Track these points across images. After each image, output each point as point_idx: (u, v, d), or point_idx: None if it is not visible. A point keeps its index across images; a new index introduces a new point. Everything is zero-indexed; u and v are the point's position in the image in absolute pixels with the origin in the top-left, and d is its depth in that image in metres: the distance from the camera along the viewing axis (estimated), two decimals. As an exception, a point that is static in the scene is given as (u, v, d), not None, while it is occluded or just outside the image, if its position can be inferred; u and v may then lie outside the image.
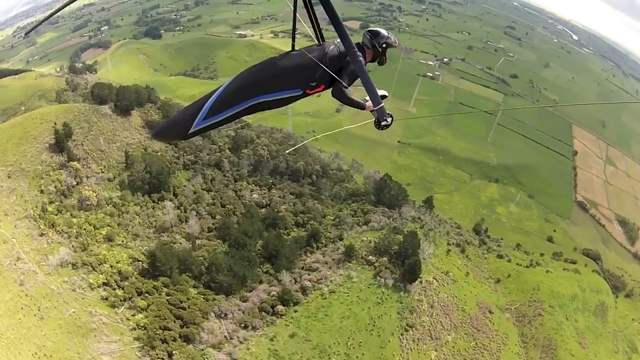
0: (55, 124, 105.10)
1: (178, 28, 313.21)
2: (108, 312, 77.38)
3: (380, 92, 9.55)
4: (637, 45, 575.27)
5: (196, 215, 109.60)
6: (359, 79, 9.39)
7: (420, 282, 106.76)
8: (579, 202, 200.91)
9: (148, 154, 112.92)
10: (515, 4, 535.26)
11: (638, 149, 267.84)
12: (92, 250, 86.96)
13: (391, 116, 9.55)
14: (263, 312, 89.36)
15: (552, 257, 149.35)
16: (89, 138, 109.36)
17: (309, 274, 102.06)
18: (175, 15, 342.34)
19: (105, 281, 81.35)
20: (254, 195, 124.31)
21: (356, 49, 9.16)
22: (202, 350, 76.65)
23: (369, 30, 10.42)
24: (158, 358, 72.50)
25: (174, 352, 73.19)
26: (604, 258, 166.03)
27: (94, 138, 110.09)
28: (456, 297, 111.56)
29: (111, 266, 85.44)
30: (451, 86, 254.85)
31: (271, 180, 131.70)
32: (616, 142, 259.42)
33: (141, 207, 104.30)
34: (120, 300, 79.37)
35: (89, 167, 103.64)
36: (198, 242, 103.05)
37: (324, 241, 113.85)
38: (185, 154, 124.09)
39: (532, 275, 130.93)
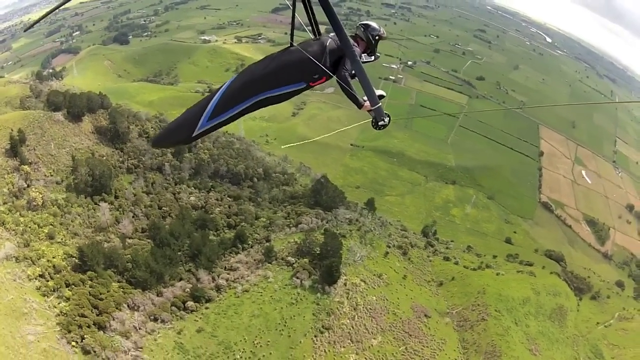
0: (12, 130, 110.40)
1: (146, 34, 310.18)
2: (39, 300, 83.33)
3: (378, 92, 9.78)
4: (613, 47, 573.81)
5: (133, 216, 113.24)
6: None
7: (345, 284, 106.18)
8: (543, 203, 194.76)
9: (92, 158, 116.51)
10: (489, 7, 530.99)
11: (610, 148, 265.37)
12: (33, 246, 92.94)
13: (388, 116, 9.70)
14: (174, 307, 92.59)
15: (506, 260, 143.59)
16: (41, 143, 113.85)
17: (228, 273, 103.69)
18: (145, 20, 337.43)
19: (41, 273, 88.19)
20: (191, 198, 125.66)
21: (354, 49, 9.46)
22: (112, 337, 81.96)
23: (362, 24, 10.86)
24: (72, 341, 78.12)
25: (85, 336, 79.13)
26: (569, 259, 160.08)
27: (46, 143, 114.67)
28: (387, 300, 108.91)
29: (48, 260, 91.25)
30: (413, 89, 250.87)
31: (211, 184, 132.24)
32: (586, 142, 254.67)
33: (83, 208, 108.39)
34: (51, 290, 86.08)
35: (39, 171, 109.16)
36: (130, 241, 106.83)
37: (250, 242, 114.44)
38: (129, 158, 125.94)
39: (478, 278, 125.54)
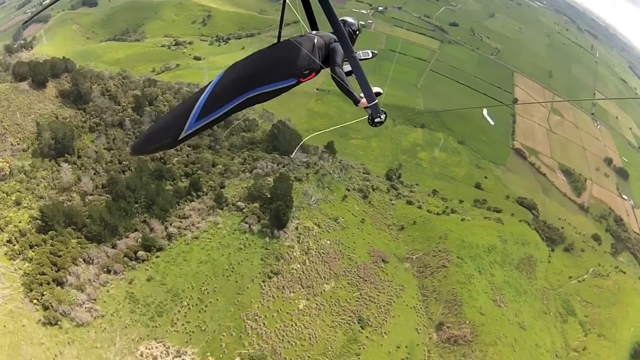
0: None
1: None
2: (6, 264, 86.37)
3: (375, 89, 9.90)
4: (596, 4, 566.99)
5: (94, 173, 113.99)
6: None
7: (297, 228, 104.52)
8: (516, 150, 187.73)
9: (55, 122, 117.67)
10: None
11: (588, 101, 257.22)
12: (1, 214, 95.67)
13: (385, 113, 9.70)
14: (126, 258, 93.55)
15: (473, 205, 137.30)
16: (7, 115, 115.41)
17: (180, 222, 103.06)
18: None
19: (9, 239, 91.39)
20: None
21: (351, 46, 9.65)
22: (68, 291, 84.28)
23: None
24: (34, 299, 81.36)
25: (45, 293, 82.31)
26: (543, 208, 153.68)
27: (12, 114, 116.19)
28: (342, 244, 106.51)
29: (15, 226, 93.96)
30: (383, 34, 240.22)
31: None
32: (564, 93, 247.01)
33: (47, 171, 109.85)
34: (17, 254, 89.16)
35: (6, 141, 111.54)
36: (90, 197, 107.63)
37: (205, 190, 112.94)
38: (91, 117, 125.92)
39: (441, 223, 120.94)
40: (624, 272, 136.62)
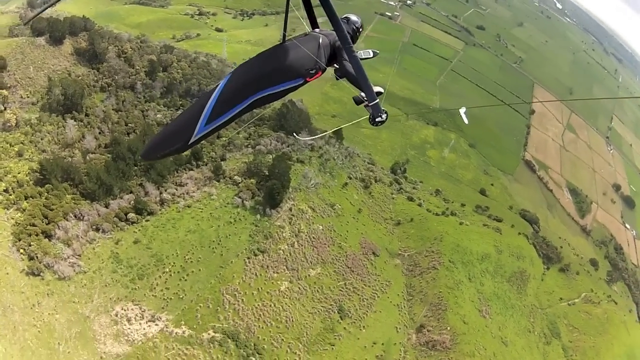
0: None
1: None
2: (0, 213, 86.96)
3: (376, 89, 9.77)
4: (624, 29, 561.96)
5: (99, 132, 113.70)
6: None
7: (290, 209, 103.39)
8: (526, 161, 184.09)
9: (66, 79, 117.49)
10: None
11: (605, 124, 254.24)
12: (2, 164, 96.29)
13: (386, 112, 9.66)
14: (116, 218, 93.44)
15: (474, 210, 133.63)
16: (20, 68, 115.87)
17: (176, 189, 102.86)
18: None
19: (5, 189, 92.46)
20: (158, 116, 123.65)
21: (352, 46, 9.43)
22: (55, 244, 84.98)
23: (342, 17, 10.28)
24: (21, 248, 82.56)
25: (32, 243, 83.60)
26: (545, 224, 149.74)
27: (25, 67, 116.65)
28: (334, 231, 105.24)
29: (14, 176, 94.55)
30: (409, 27, 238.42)
31: (180, 102, 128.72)
32: (581, 112, 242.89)
33: (53, 126, 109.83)
34: (11, 204, 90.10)
35: (17, 94, 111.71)
36: (91, 156, 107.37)
37: (205, 160, 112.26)
38: (104, 78, 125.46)
39: (438, 224, 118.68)
40: (616, 303, 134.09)
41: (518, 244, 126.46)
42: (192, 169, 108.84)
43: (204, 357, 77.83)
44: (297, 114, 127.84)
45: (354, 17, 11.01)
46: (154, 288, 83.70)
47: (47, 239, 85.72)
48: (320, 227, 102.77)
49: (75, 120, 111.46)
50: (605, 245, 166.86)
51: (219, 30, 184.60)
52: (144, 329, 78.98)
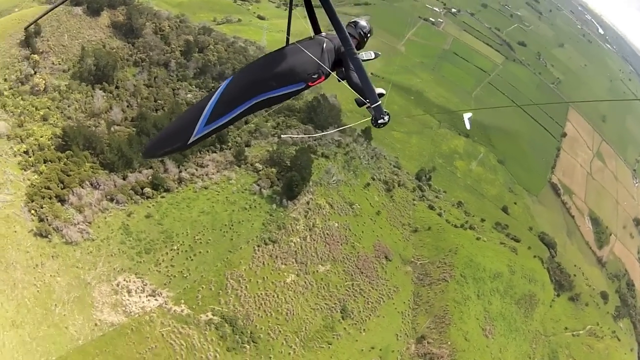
0: (28, 22, 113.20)
1: None
2: (17, 173, 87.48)
3: (378, 90, 9.53)
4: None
5: (127, 106, 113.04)
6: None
7: (308, 202, 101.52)
8: (552, 184, 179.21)
9: (99, 49, 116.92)
10: None
11: (634, 156, 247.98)
12: (26, 127, 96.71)
13: (388, 114, 9.30)
14: (132, 191, 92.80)
15: (493, 227, 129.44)
16: (55, 35, 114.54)
17: (196, 169, 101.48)
18: None
19: (26, 150, 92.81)
20: (188, 95, 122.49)
21: (354, 48, 9.24)
22: (67, 209, 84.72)
23: (351, 22, 10.64)
24: (32, 209, 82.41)
25: (44, 206, 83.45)
26: (562, 250, 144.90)
27: (60, 35, 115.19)
28: (350, 230, 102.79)
29: (35, 139, 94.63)
30: (451, 35, 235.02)
31: (213, 85, 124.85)
32: (612, 141, 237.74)
33: (82, 95, 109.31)
34: (30, 165, 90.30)
35: (48, 59, 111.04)
36: (116, 127, 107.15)
37: (230, 144, 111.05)
38: (138, 52, 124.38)
39: (455, 236, 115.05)
40: (619, 340, 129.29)
41: (532, 267, 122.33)
42: (215, 152, 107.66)
43: (198, 338, 76.52)
44: (327, 109, 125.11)
45: (362, 22, 10.78)
46: (159, 264, 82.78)
47: (59, 203, 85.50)
48: (336, 224, 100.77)
49: (104, 91, 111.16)
50: (618, 279, 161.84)
51: (261, 17, 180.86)
52: (143, 302, 77.99)
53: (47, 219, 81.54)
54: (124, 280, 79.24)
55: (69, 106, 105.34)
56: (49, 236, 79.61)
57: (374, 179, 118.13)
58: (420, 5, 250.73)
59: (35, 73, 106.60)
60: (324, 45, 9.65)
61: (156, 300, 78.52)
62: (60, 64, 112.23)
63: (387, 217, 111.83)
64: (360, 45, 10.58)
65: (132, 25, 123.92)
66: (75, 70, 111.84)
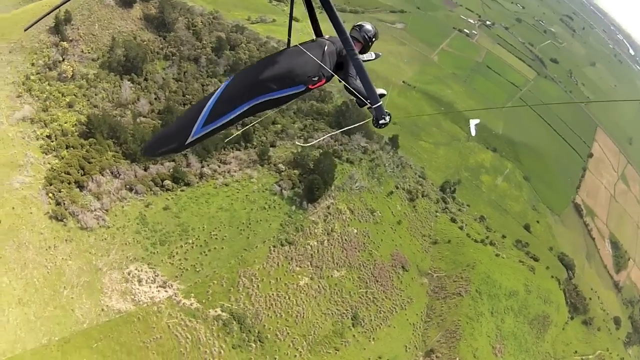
0: (59, 10, 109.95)
1: None
2: (38, 157, 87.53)
3: (379, 91, 9.19)
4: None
5: (155, 98, 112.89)
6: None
7: (328, 207, 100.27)
8: (576, 204, 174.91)
9: (129, 41, 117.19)
10: None
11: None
12: (51, 112, 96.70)
13: (389, 115, 8.97)
14: (152, 182, 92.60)
15: (514, 244, 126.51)
16: (85, 24, 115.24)
17: (218, 166, 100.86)
18: None
19: (49, 135, 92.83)
20: None
21: (354, 48, 8.86)
22: (85, 195, 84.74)
23: (356, 25, 10.53)
24: (50, 192, 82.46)
25: (62, 190, 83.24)
26: (580, 272, 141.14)
27: (91, 24, 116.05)
28: (369, 237, 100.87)
29: (59, 125, 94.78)
30: (484, 48, 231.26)
31: None
32: (637, 164, 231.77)
33: (110, 84, 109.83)
34: (51, 149, 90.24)
35: (77, 47, 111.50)
36: (142, 119, 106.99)
37: (255, 143, 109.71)
38: (169, 46, 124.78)
39: (474, 251, 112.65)
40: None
41: (548, 287, 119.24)
42: (239, 149, 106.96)
43: (205, 332, 75.65)
44: (355, 114, 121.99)
45: (367, 26, 10.44)
46: (173, 256, 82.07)
47: (78, 189, 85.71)
48: (355, 230, 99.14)
49: (132, 83, 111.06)
50: (632, 306, 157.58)
51: (295, 19, 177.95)
52: (153, 292, 77.47)
53: (64, 203, 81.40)
54: (136, 269, 78.73)
55: (96, 95, 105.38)
56: (65, 220, 79.19)
57: (397, 188, 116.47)
58: (456, 16, 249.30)
59: (63, 60, 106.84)
60: (325, 47, 9.36)
61: (166, 291, 77.82)
62: (89, 53, 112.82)
63: (408, 227, 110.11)
64: (364, 49, 10.35)
65: (164, 19, 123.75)
66: (104, 59, 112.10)
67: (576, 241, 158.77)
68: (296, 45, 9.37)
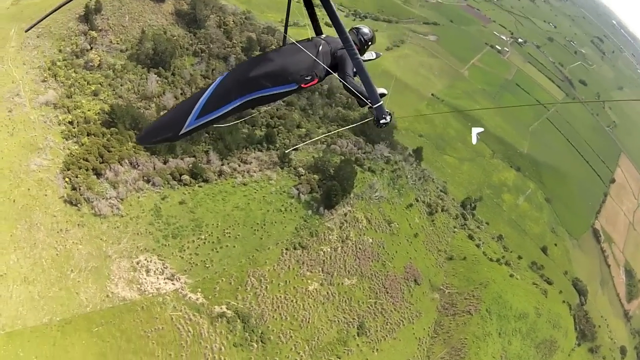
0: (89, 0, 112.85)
1: None
2: (58, 141, 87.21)
3: (380, 90, 9.35)
4: None
5: (181, 93, 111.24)
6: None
7: (346, 214, 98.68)
8: (594, 229, 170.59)
9: (159, 35, 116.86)
10: (614, 22, 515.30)
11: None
12: (75, 99, 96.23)
13: (390, 114, 9.09)
14: (170, 176, 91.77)
15: (529, 265, 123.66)
16: (115, 15, 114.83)
17: (239, 165, 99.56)
18: None
19: (71, 121, 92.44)
20: None
21: (355, 48, 9.04)
22: (101, 183, 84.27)
23: (353, 28, 10.59)
24: (67, 177, 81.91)
25: (79, 175, 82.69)
26: (593, 299, 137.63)
27: (121, 15, 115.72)
28: (383, 247, 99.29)
29: (82, 112, 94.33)
30: (515, 65, 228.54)
31: None
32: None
33: (136, 76, 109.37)
34: (72, 136, 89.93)
35: (106, 37, 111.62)
36: (165, 112, 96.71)
37: (277, 145, 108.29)
38: (199, 43, 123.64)
39: (489, 270, 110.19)
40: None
41: (559, 312, 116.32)
42: (261, 150, 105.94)
43: (207, 328, 74.69)
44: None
45: (364, 29, 10.58)
46: (184, 250, 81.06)
47: (95, 176, 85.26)
48: (370, 240, 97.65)
49: (159, 76, 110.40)
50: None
51: (327, 25, 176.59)
52: (160, 284, 76.65)
53: (79, 189, 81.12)
54: (145, 259, 77.93)
55: (121, 85, 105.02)
56: (79, 205, 78.83)
57: (417, 200, 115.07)
58: (488, 32, 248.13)
59: (91, 49, 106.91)
60: (320, 47, 9.38)
61: (173, 284, 77.04)
62: (118, 44, 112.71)
63: (424, 241, 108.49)
64: (360, 52, 9.98)
65: (195, 15, 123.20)
66: (132, 52, 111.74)
67: (592, 267, 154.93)
68: (292, 43, 9.44)
